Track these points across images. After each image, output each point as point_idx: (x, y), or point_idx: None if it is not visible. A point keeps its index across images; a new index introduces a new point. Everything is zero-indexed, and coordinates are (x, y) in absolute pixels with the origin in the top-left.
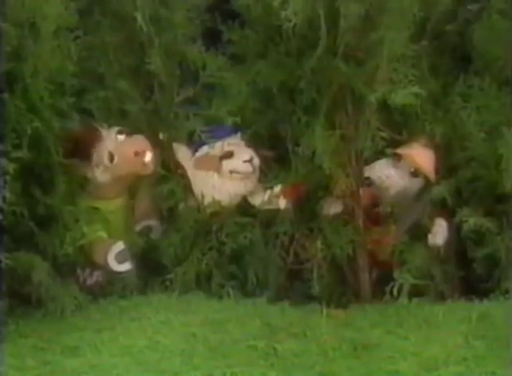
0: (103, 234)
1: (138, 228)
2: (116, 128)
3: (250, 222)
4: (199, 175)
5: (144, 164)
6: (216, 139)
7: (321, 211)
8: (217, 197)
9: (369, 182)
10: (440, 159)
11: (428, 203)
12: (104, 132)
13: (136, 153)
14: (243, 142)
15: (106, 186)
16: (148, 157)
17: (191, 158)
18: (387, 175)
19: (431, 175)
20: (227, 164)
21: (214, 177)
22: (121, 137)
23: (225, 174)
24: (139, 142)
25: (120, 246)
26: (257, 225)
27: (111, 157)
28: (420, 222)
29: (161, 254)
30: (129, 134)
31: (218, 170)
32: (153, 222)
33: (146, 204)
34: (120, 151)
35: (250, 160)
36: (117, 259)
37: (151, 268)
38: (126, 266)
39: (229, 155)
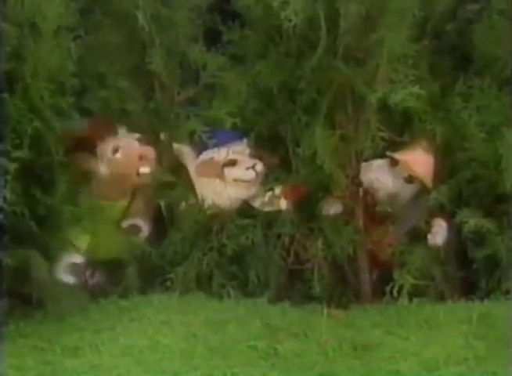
0: (82, 243)
1: (124, 225)
2: (136, 135)
3: (251, 223)
4: (201, 179)
5: (138, 173)
6: (221, 143)
7: (321, 211)
8: (217, 201)
9: (357, 182)
10: (440, 162)
11: (426, 207)
12: (121, 132)
13: (140, 157)
14: (248, 150)
15: (108, 183)
16: (144, 169)
17: (194, 160)
18: (377, 177)
19: (428, 182)
20: (230, 172)
21: (215, 182)
22: (136, 142)
23: (228, 181)
24: (148, 150)
25: (77, 258)
26: (258, 226)
27: (115, 151)
28: (419, 225)
29: (162, 254)
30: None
31: (220, 177)
32: (139, 222)
33: (140, 203)
34: (127, 149)
35: (253, 167)
36: (65, 270)
37: (151, 268)
38: (70, 279)
39: (232, 163)
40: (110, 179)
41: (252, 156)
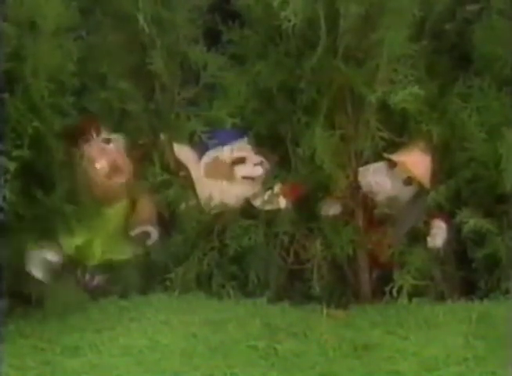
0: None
1: (134, 233)
2: (102, 137)
3: (253, 223)
4: (207, 180)
5: (97, 170)
6: (222, 143)
7: (320, 212)
8: (224, 200)
9: (356, 186)
10: (438, 162)
11: (424, 208)
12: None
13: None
14: (249, 147)
15: (105, 189)
16: (99, 164)
17: (197, 161)
18: (376, 181)
19: (426, 183)
20: (239, 170)
21: (223, 182)
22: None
23: (236, 179)
24: (97, 149)
25: (51, 256)
26: (259, 226)
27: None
28: (418, 226)
29: (162, 254)
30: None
31: (230, 177)
32: (150, 228)
33: (146, 208)
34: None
35: (260, 163)
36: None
37: (151, 268)
38: (39, 275)
39: (241, 161)
40: (109, 185)
41: (255, 152)
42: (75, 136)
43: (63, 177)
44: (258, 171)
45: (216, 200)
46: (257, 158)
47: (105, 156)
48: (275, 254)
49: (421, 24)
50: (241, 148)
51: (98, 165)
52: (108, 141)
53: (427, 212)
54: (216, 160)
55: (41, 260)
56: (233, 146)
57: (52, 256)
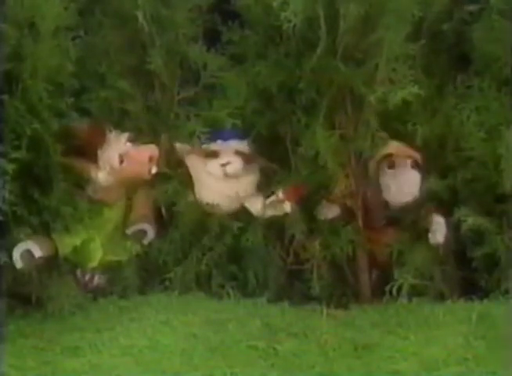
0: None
1: (130, 231)
2: (125, 134)
3: (251, 225)
4: (196, 176)
5: (149, 172)
6: (222, 142)
7: (318, 215)
8: (216, 200)
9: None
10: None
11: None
12: (111, 135)
13: (150, 159)
14: (246, 149)
15: (107, 189)
16: (155, 169)
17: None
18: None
19: (418, 157)
20: (209, 164)
21: (207, 177)
22: (130, 144)
23: (206, 172)
24: (153, 149)
25: (32, 248)
26: (258, 226)
27: (121, 160)
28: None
29: (161, 254)
30: (136, 141)
31: (202, 166)
32: (146, 226)
33: (142, 206)
34: (134, 155)
35: (225, 164)
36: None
37: (151, 268)
38: (19, 265)
39: (214, 155)
40: (110, 186)
41: (237, 153)
42: (86, 146)
43: (61, 178)
44: (219, 172)
45: (207, 199)
46: (227, 159)
47: (139, 152)
48: (274, 254)
49: (419, 24)
50: (228, 146)
51: (147, 164)
52: (131, 139)
53: (426, 208)
54: (198, 148)
55: (23, 251)
56: (226, 143)
57: (35, 250)
